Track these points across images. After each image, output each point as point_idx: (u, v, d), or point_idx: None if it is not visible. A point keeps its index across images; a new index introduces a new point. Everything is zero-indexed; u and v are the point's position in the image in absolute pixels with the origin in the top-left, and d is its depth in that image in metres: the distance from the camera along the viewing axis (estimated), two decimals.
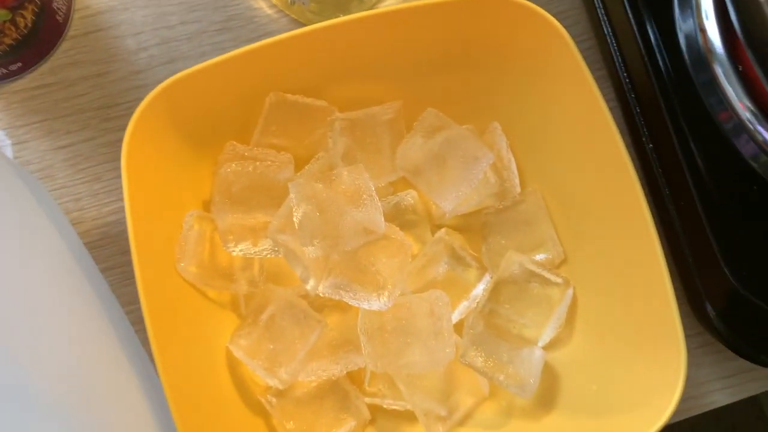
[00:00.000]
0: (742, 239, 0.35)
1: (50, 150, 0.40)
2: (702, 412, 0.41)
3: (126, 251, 0.39)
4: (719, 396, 0.41)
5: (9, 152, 0.40)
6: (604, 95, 0.34)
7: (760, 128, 0.35)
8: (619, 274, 0.35)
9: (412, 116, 0.37)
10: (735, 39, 0.33)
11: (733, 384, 0.41)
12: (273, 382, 0.35)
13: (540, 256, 0.37)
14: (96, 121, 0.40)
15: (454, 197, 0.36)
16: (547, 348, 0.37)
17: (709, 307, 0.37)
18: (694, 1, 0.35)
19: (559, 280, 0.36)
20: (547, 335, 0.36)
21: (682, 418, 0.41)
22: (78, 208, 0.40)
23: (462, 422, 0.36)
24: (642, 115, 0.37)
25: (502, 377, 0.35)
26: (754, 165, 0.36)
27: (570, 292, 0.36)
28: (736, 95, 0.35)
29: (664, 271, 0.33)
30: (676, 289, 0.33)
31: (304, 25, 0.41)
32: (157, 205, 0.35)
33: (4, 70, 0.39)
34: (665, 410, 0.32)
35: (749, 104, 0.35)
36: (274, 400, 0.36)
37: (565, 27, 0.35)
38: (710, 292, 0.36)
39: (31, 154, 0.40)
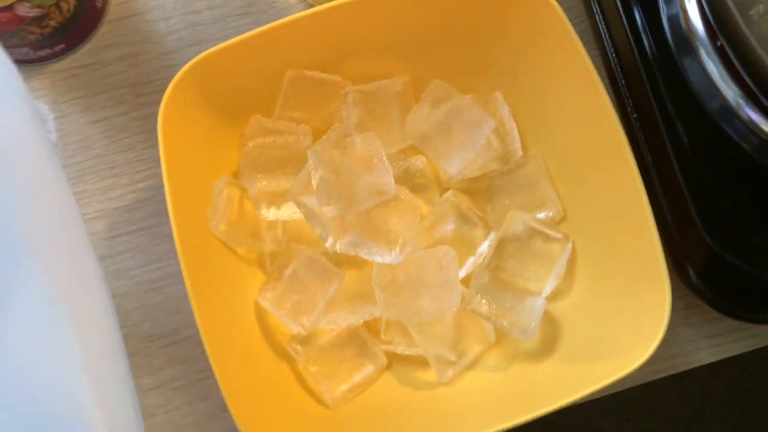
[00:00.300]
0: (719, 203, 0.38)
1: (88, 123, 0.44)
2: (689, 368, 0.45)
3: (156, 214, 0.43)
4: (705, 354, 0.44)
5: (52, 125, 0.43)
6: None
7: (744, 108, 0.38)
8: (612, 229, 0.39)
9: (419, 88, 0.41)
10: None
11: (718, 343, 0.44)
12: (297, 329, 0.38)
13: (542, 215, 0.41)
14: (130, 97, 0.44)
15: (459, 161, 0.40)
16: (549, 299, 0.40)
17: (690, 269, 0.40)
18: None
19: (560, 236, 0.40)
20: (549, 287, 0.39)
21: (669, 373, 0.44)
22: (113, 175, 0.43)
23: (470, 367, 0.40)
24: (628, 89, 0.40)
25: (505, 322, 0.38)
26: (740, 142, 0.39)
27: (569, 246, 0.40)
28: (718, 74, 0.39)
29: (652, 225, 0.36)
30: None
31: None
32: (189, 170, 0.38)
33: (49, 51, 0.43)
34: (647, 350, 0.35)
35: (731, 83, 0.38)
36: (298, 347, 0.39)
37: (562, 9, 0.39)
38: (690, 254, 0.39)
39: (71, 126, 0.43)
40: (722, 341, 0.44)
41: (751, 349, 0.45)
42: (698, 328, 0.44)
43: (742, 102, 0.38)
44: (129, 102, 0.44)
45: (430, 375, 0.40)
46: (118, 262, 0.42)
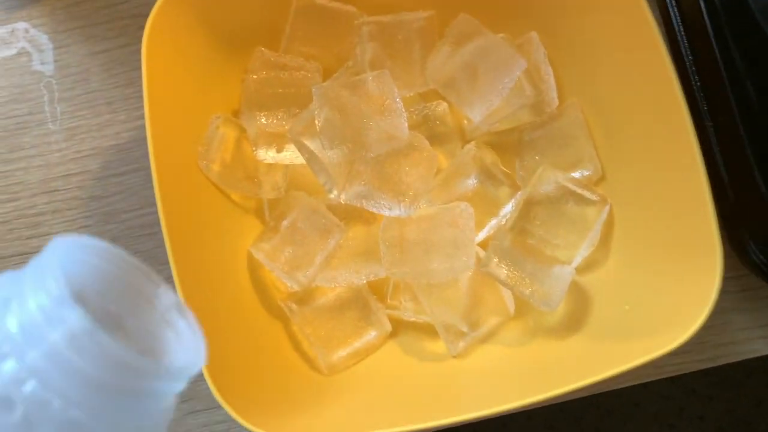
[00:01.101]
0: None
1: (88, 55, 0.40)
2: (741, 359, 0.39)
3: None
4: (761, 344, 0.39)
5: (50, 55, 0.40)
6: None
7: None
8: (658, 192, 0.34)
9: (444, 25, 0.36)
10: None
11: None
12: (291, 284, 0.35)
13: (576, 174, 0.36)
14: (132, 29, 0.41)
15: (485, 107, 0.35)
16: (580, 270, 0.35)
17: (749, 242, 0.34)
18: None
19: (596, 198, 0.34)
20: (580, 256, 0.34)
21: (717, 364, 0.39)
22: (110, 111, 0.40)
23: (484, 340, 0.35)
24: (684, 28, 0.34)
25: (526, 290, 0.33)
26: None
27: (606, 210, 0.34)
28: None
29: (705, 189, 0.31)
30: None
31: None
32: (180, 105, 0.35)
33: None
34: (686, 333, 0.30)
35: None
36: (294, 305, 0.35)
37: None
38: (751, 223, 0.34)
39: (70, 58, 0.40)
40: None
41: None
42: (755, 315, 0.39)
43: None
44: (130, 34, 0.41)
45: (439, 346, 0.35)
46: (111, 204, 0.39)
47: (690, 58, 0.34)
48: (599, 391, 0.36)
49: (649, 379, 0.38)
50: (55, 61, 0.41)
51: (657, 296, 0.33)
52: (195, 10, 0.34)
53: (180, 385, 0.16)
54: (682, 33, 0.34)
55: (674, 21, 0.35)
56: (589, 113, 0.36)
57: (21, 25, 0.41)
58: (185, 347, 0.18)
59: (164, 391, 0.16)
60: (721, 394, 1.03)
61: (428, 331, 0.36)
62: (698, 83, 0.33)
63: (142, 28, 0.40)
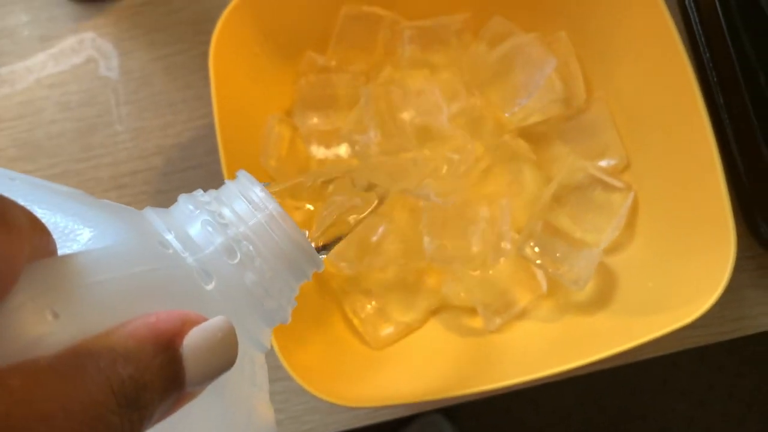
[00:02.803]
0: None
1: (150, 60, 0.44)
2: (756, 332, 0.42)
3: (212, 152, 0.43)
4: None
5: (115, 62, 0.44)
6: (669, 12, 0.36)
7: None
8: (677, 178, 0.37)
9: (480, 27, 0.39)
10: None
11: None
12: (343, 268, 0.38)
13: (603, 162, 0.39)
14: (190, 35, 0.44)
15: (518, 102, 0.38)
16: (607, 251, 0.38)
17: (762, 222, 0.37)
18: None
19: (621, 185, 0.38)
20: (607, 239, 0.38)
21: (735, 336, 0.42)
22: (172, 112, 0.44)
23: (519, 316, 0.38)
24: (701, 26, 0.37)
25: (558, 271, 0.37)
26: None
27: (631, 196, 0.38)
28: None
29: (719, 173, 0.34)
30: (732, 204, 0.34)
31: None
32: (241, 106, 0.38)
33: None
34: (704, 306, 0.33)
35: None
36: (346, 287, 0.39)
37: None
38: (763, 205, 0.37)
39: (134, 64, 0.44)
40: None
41: None
42: None
43: None
44: (189, 40, 0.44)
45: (477, 322, 0.39)
46: (174, 198, 0.42)
47: (707, 54, 0.37)
48: (625, 362, 0.39)
49: (671, 350, 0.41)
50: (120, 66, 0.44)
51: (677, 275, 0.36)
52: (254, 20, 0.38)
53: (309, 277, 0.23)
54: (700, 31, 0.37)
55: (693, 19, 0.38)
56: (614, 107, 0.39)
57: (88, 35, 0.45)
58: None
59: (304, 275, 0.23)
60: (750, 372, 1.05)
61: (467, 309, 0.39)
62: (715, 78, 0.36)
63: (200, 33, 0.44)
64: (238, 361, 0.18)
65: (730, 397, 1.05)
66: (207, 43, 0.44)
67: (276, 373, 0.35)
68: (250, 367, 0.22)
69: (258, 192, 0.22)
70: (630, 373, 1.03)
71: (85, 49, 0.45)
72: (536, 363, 0.35)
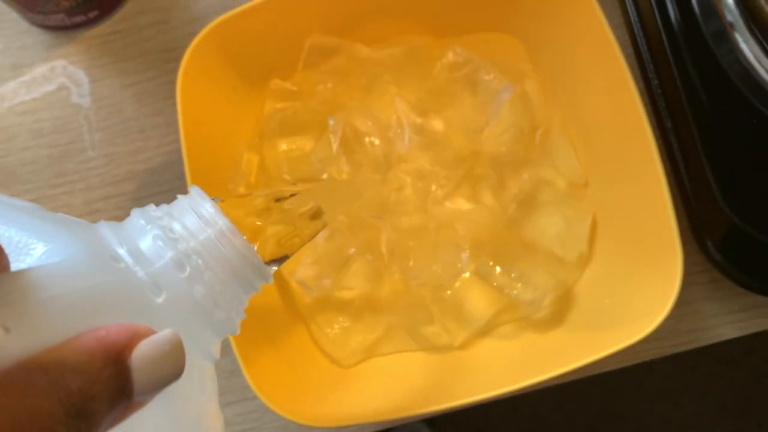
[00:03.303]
0: (738, 172, 0.37)
1: (120, 87, 0.45)
2: (710, 343, 0.44)
3: (182, 176, 0.44)
4: (727, 329, 0.43)
5: (86, 89, 0.45)
6: (621, 42, 0.37)
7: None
8: (631, 201, 0.38)
9: (440, 51, 0.41)
10: None
11: (742, 319, 0.43)
12: (309, 292, 0.40)
13: (562, 182, 0.41)
14: (160, 63, 0.45)
15: (478, 127, 0.40)
16: (566, 270, 0.40)
17: (708, 241, 0.39)
18: None
19: (581, 205, 0.39)
20: (570, 257, 0.39)
21: (690, 347, 0.43)
22: (143, 138, 0.45)
23: (483, 334, 0.40)
24: (651, 56, 0.39)
25: (513, 292, 0.38)
26: (764, 110, 0.37)
27: (591, 216, 0.39)
28: (743, 41, 0.37)
29: (668, 199, 0.36)
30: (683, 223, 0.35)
31: None
32: (209, 133, 0.40)
33: (84, 17, 0.45)
34: (655, 321, 0.35)
35: (758, 52, 0.37)
36: (312, 309, 0.40)
37: None
38: (709, 225, 0.39)
39: (105, 91, 0.45)
40: (747, 317, 0.43)
41: None
42: (723, 303, 0.43)
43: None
44: (158, 67, 0.45)
45: (442, 339, 0.40)
46: None
47: (656, 81, 0.38)
48: (585, 375, 0.41)
49: (629, 363, 0.42)
50: (92, 94, 0.45)
51: (632, 292, 0.38)
52: (222, 48, 0.39)
53: (258, 289, 0.24)
54: (649, 58, 0.39)
55: (641, 47, 0.40)
56: (571, 130, 0.41)
57: (60, 63, 0.46)
58: None
59: (252, 288, 0.24)
60: (722, 372, 1.08)
61: (432, 326, 0.41)
62: (663, 104, 0.38)
63: (169, 62, 0.45)
64: (187, 371, 0.19)
65: (703, 397, 1.08)
66: (176, 71, 0.45)
67: (249, 392, 0.36)
68: (199, 376, 0.23)
69: (208, 208, 0.23)
70: (607, 377, 1.05)
71: (57, 77, 0.46)
72: (499, 379, 0.36)
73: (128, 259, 0.21)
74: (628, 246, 0.39)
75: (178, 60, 0.45)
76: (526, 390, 0.36)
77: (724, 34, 0.37)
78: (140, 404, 0.18)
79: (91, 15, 0.45)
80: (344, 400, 0.38)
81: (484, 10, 0.41)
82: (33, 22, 0.45)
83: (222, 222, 0.23)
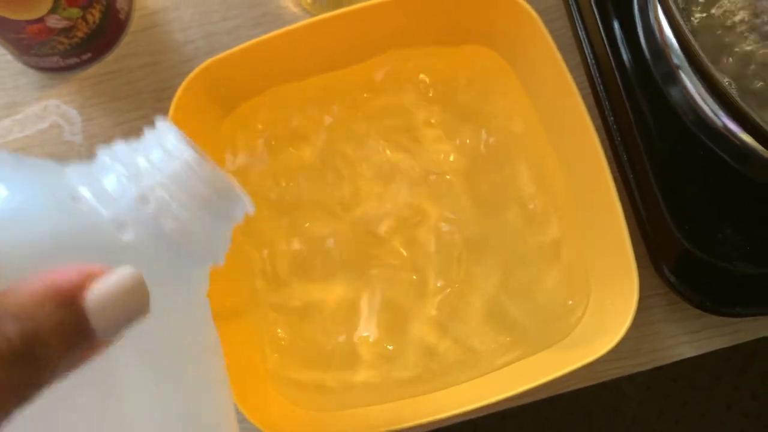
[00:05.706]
0: (688, 201, 0.40)
1: (112, 125, 0.48)
2: (669, 362, 0.46)
3: None
4: (685, 349, 0.46)
5: (79, 127, 0.48)
6: (578, 81, 0.40)
7: (720, 116, 0.40)
8: (593, 228, 0.41)
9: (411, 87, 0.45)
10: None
11: (699, 338, 0.46)
12: None
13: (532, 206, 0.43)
14: (150, 102, 0.48)
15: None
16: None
17: (664, 265, 0.42)
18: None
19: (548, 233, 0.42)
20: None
21: (652, 366, 0.46)
22: None
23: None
24: (606, 94, 0.42)
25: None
26: (713, 146, 0.40)
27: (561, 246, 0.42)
28: (689, 81, 0.40)
29: (624, 229, 0.38)
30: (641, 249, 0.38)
31: None
32: None
33: (77, 59, 0.47)
34: (611, 342, 0.37)
35: (702, 91, 0.40)
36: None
37: (549, 21, 0.41)
38: (664, 251, 0.41)
39: (97, 129, 0.48)
40: (703, 336, 0.46)
41: (732, 344, 0.46)
42: (680, 324, 0.46)
43: (713, 109, 0.40)
44: (149, 106, 0.48)
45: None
46: None
47: (612, 118, 0.42)
48: (552, 394, 0.43)
49: (593, 382, 0.45)
50: (84, 131, 0.48)
51: (593, 315, 0.41)
52: (211, 88, 0.42)
53: (239, 218, 0.24)
54: (605, 97, 0.42)
55: (598, 87, 0.43)
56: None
57: (52, 102, 0.48)
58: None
59: (229, 217, 0.23)
60: (694, 399, 1.11)
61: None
62: (619, 139, 0.41)
63: (160, 101, 0.48)
64: (164, 306, 0.19)
65: (676, 424, 1.10)
66: (166, 109, 0.47)
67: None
68: (184, 307, 0.23)
69: (171, 139, 0.23)
70: (586, 402, 1.07)
71: (50, 115, 0.48)
72: (461, 398, 0.39)
73: (90, 198, 0.21)
74: (589, 270, 0.42)
75: (168, 99, 0.48)
76: (489, 410, 0.38)
77: (671, 75, 0.40)
78: (106, 343, 0.18)
79: (85, 57, 0.47)
80: (327, 420, 0.41)
81: (464, 22, 0.43)
82: (28, 64, 0.48)
83: (187, 153, 0.22)
